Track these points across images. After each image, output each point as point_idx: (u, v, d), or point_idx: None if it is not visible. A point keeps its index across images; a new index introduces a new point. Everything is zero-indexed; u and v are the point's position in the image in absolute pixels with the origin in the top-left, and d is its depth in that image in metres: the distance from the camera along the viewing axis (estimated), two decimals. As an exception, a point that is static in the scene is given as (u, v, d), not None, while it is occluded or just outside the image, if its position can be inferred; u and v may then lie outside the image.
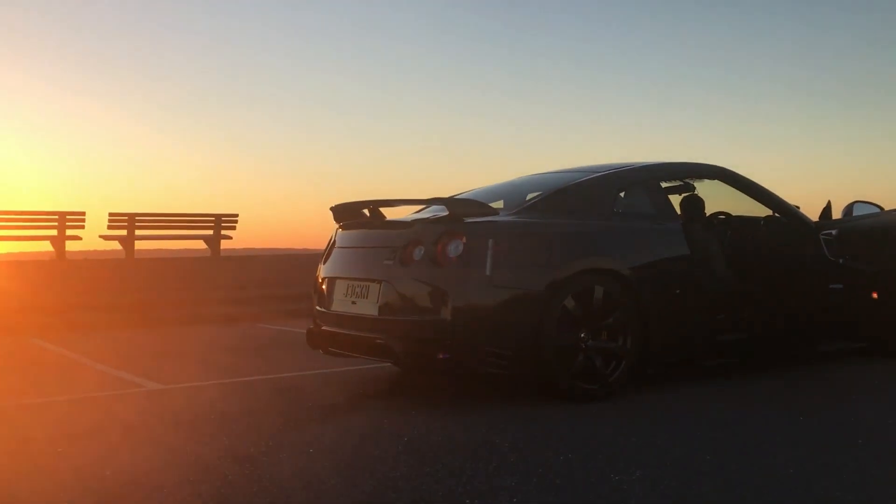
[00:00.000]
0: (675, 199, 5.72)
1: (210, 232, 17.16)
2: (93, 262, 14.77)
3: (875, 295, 5.73)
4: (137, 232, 16.01)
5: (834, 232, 5.64)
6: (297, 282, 11.41)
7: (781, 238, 5.64)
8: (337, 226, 5.45)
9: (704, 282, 5.07)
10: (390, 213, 5.28)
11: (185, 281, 12.60)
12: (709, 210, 5.90)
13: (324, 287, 5.25)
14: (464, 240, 4.44)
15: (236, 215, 17.81)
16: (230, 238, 17.64)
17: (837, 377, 5.33)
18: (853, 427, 3.95)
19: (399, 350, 4.52)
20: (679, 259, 4.98)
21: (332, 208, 5.40)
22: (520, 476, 3.17)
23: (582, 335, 4.52)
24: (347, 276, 5.00)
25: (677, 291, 4.91)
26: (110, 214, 15.72)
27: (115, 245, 16.14)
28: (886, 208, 6.23)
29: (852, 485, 3.03)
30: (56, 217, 14.96)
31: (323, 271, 5.33)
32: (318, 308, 5.29)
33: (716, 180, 5.61)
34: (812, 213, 5.89)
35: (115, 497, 3.00)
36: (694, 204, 5.74)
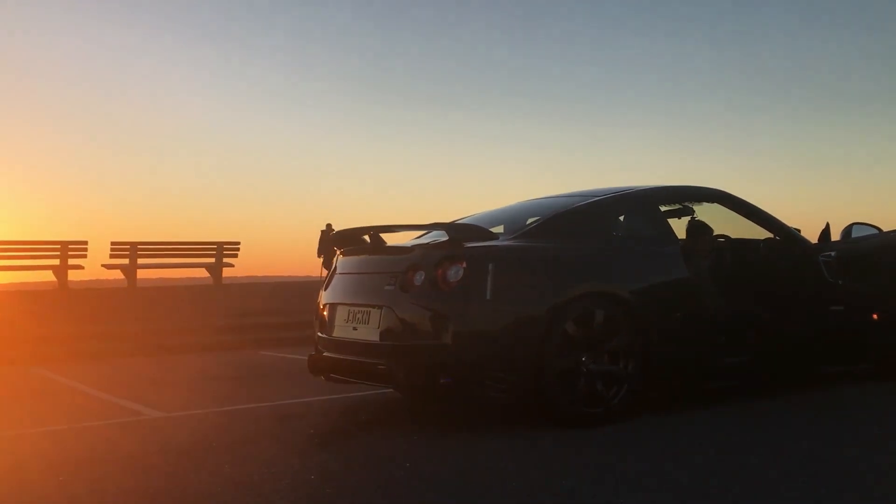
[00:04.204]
0: (678, 223, 5.73)
1: (212, 260, 17.18)
2: (95, 291, 14.79)
3: (875, 316, 5.72)
4: (140, 260, 16.04)
5: (833, 254, 5.65)
6: (299, 309, 11.41)
7: (781, 260, 5.65)
8: (338, 252, 5.47)
9: (705, 305, 5.07)
10: (391, 239, 5.29)
11: (187, 309, 12.60)
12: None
13: (325, 313, 5.26)
14: (464, 265, 4.45)
15: (238, 243, 17.86)
16: (232, 266, 17.68)
17: (839, 399, 5.31)
18: (856, 449, 3.94)
19: (401, 375, 4.51)
20: (679, 282, 4.98)
21: (332, 235, 5.42)
22: (523, 501, 3.16)
23: (583, 359, 4.52)
24: (348, 302, 5.01)
25: (678, 314, 4.91)
26: (112, 243, 15.77)
27: (118, 274, 16.17)
28: (885, 229, 6.24)
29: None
30: (58, 246, 15.01)
31: (324, 297, 5.35)
32: (319, 334, 5.30)
33: (715, 203, 5.63)
34: (811, 235, 5.91)
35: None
36: (700, 229, 5.76)
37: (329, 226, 19.80)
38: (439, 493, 3.30)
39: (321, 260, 19.92)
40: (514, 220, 5.32)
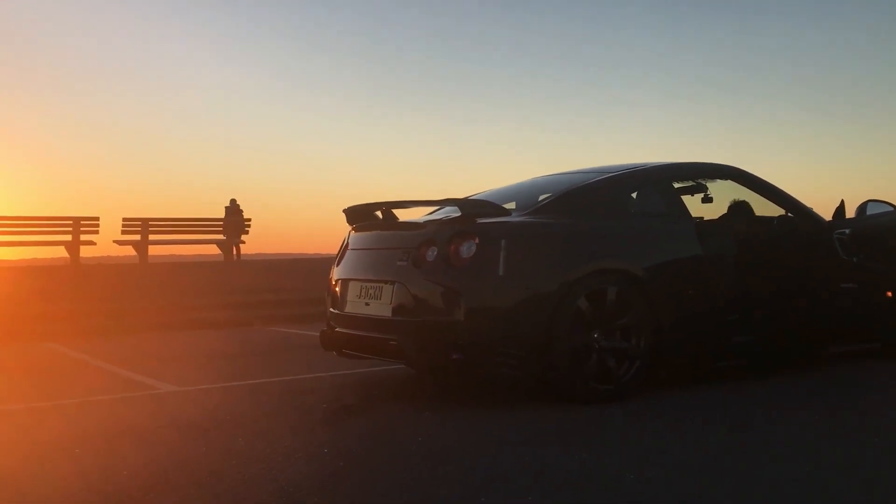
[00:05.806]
0: (691, 200, 5.69)
1: (223, 236, 17.22)
2: (106, 267, 14.86)
3: (889, 294, 5.68)
4: (151, 236, 16.08)
5: (847, 231, 5.61)
6: (310, 286, 11.44)
7: (794, 238, 5.61)
8: (350, 228, 5.46)
9: (717, 282, 5.05)
10: (403, 215, 5.28)
11: (199, 285, 12.65)
12: (721, 210, 5.87)
13: (337, 289, 5.26)
14: (476, 240, 4.44)
15: (249, 220, 17.89)
16: (243, 243, 17.72)
17: (851, 378, 5.30)
18: (867, 427, 3.93)
19: (412, 351, 4.52)
20: (691, 259, 4.96)
21: (345, 210, 5.41)
22: (534, 476, 3.17)
23: (595, 335, 4.51)
24: (360, 278, 5.01)
25: (690, 292, 4.89)
26: (124, 219, 15.82)
27: (129, 250, 16.23)
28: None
29: (866, 485, 3.02)
30: (70, 222, 15.06)
31: (336, 273, 5.34)
32: (331, 310, 5.30)
33: (729, 180, 5.59)
34: (826, 212, 5.87)
35: (128, 499, 3.00)
36: (742, 209, 5.73)
37: (233, 201, 19.53)
38: (450, 467, 3.31)
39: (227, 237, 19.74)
40: (526, 196, 5.29)
